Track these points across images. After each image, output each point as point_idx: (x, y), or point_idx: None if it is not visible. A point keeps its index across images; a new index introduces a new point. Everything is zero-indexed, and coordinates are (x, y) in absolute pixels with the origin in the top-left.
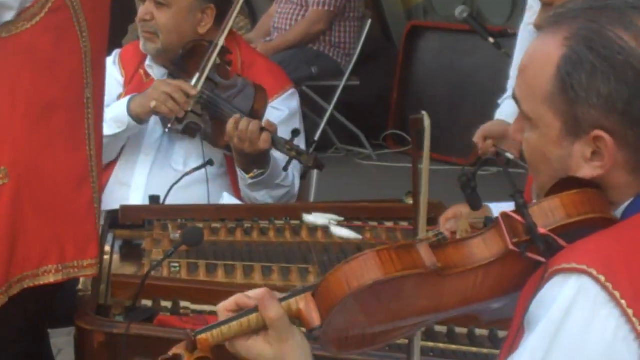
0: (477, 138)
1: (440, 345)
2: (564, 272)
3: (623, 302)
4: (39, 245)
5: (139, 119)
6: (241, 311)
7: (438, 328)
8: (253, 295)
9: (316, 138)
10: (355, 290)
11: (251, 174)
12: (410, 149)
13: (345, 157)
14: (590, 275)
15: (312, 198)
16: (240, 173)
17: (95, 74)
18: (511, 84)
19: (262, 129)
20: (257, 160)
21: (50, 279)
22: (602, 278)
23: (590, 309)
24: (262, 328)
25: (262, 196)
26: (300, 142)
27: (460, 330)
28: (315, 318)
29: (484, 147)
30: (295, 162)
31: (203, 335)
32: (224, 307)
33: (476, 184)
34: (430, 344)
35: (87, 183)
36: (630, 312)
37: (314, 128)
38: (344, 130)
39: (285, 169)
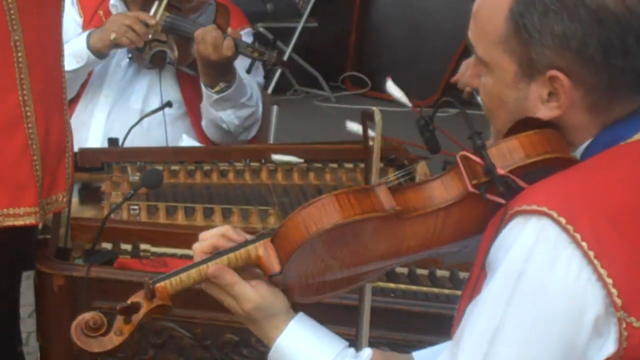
0: (459, 73)
1: (402, 286)
2: (524, 213)
3: (584, 244)
4: None
5: (99, 53)
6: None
7: (399, 270)
8: (216, 232)
9: (274, 80)
10: (314, 234)
11: (217, 88)
12: (365, 135)
13: (304, 99)
14: (550, 217)
15: (271, 140)
16: (205, 90)
17: (27, 17)
18: None
19: (225, 38)
20: (222, 71)
21: None
22: (563, 220)
23: (551, 251)
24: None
25: (228, 116)
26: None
27: (422, 271)
28: (274, 264)
29: (464, 80)
30: (257, 88)
31: (161, 284)
32: (200, 250)
33: (434, 127)
34: (392, 285)
35: (20, 128)
36: (591, 254)
37: (272, 70)
38: (302, 72)
39: (249, 71)
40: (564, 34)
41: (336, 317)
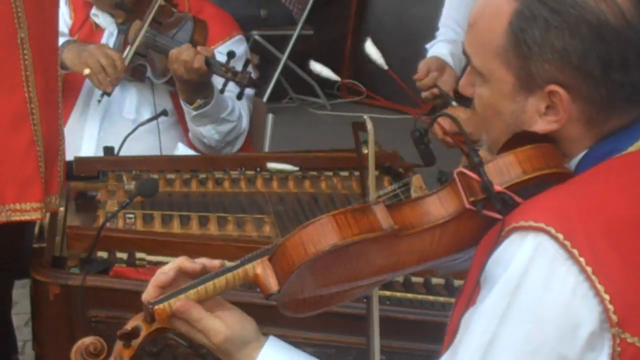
0: (421, 69)
1: (397, 294)
2: (521, 229)
3: (582, 259)
4: None
5: (66, 68)
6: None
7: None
8: (200, 260)
9: (270, 88)
10: (313, 256)
11: (195, 104)
12: (355, 149)
13: (299, 106)
14: (548, 233)
15: (266, 148)
16: (185, 107)
17: (32, 14)
18: (442, 32)
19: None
20: (199, 89)
21: None
22: (561, 236)
23: (548, 266)
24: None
25: (208, 131)
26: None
27: (417, 279)
28: (272, 284)
29: (427, 80)
30: (242, 101)
31: (161, 306)
32: (157, 285)
33: (429, 139)
34: (387, 293)
35: (26, 125)
36: (589, 269)
37: (267, 78)
38: (298, 80)
39: (222, 91)
40: (565, 49)
41: (345, 326)
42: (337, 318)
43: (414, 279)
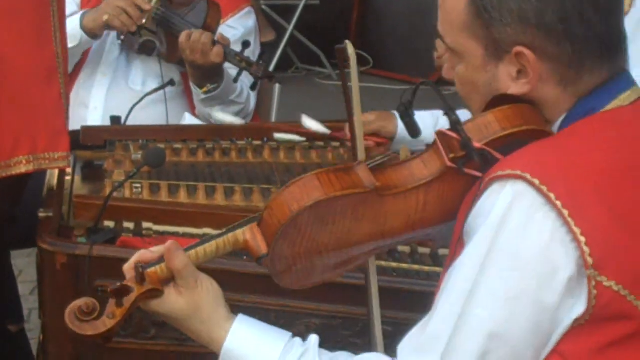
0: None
1: (404, 265)
2: (500, 179)
3: (558, 203)
4: (10, 136)
5: (92, 33)
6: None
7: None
8: (157, 250)
9: (276, 58)
10: (296, 212)
11: (205, 89)
12: (342, 77)
13: (305, 76)
14: (524, 179)
15: (273, 118)
16: (194, 89)
17: None
18: None
19: (214, 42)
20: (210, 74)
21: (22, 169)
22: (537, 181)
23: (526, 212)
24: None
25: (216, 112)
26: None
27: (424, 250)
28: (261, 246)
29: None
30: (249, 79)
31: (152, 269)
32: (128, 267)
33: (413, 112)
34: (394, 265)
35: (55, 78)
36: (565, 212)
37: (274, 47)
38: (304, 50)
39: (236, 80)
40: (521, 9)
41: (350, 298)
42: (344, 289)
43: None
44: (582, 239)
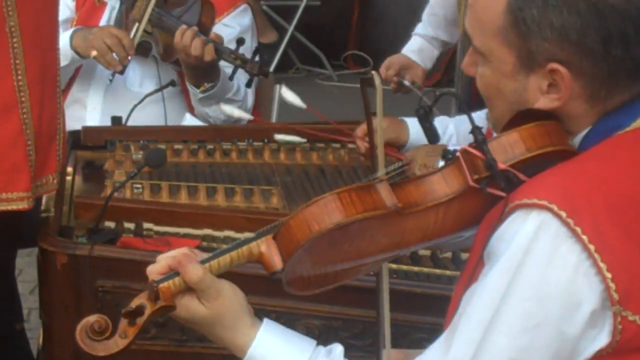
0: (381, 68)
1: (404, 267)
2: (525, 207)
3: (584, 237)
4: None
5: (80, 55)
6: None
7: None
8: (173, 254)
9: (277, 58)
10: (317, 233)
11: (202, 88)
12: (365, 104)
13: (305, 77)
14: (551, 211)
15: (274, 118)
16: (191, 88)
17: (22, 1)
18: (422, 25)
19: (207, 41)
20: (206, 73)
21: None
22: (564, 214)
23: (551, 244)
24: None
25: (214, 111)
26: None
27: (424, 252)
28: (276, 262)
29: (386, 76)
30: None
31: (165, 284)
32: (156, 271)
33: (433, 117)
34: (394, 266)
35: (14, 113)
36: (592, 247)
37: (275, 48)
38: (304, 51)
39: (231, 78)
40: (563, 26)
41: (351, 299)
42: (344, 291)
43: (421, 252)
44: (609, 275)
